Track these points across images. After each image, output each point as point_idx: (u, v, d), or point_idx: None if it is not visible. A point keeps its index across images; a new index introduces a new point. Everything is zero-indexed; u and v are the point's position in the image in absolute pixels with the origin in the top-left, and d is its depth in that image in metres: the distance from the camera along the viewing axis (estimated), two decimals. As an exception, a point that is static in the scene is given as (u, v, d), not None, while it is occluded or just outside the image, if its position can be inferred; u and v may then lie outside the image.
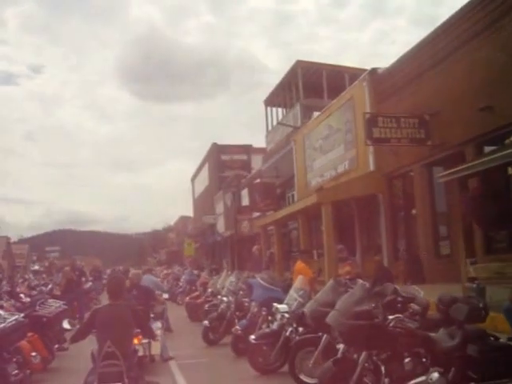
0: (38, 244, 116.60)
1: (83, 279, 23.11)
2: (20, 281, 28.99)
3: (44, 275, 37.57)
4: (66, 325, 10.23)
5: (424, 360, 6.08)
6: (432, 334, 6.17)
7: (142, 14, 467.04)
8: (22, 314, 9.96)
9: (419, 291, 7.75)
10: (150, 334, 7.95)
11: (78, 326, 8.70)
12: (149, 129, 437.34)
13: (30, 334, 10.14)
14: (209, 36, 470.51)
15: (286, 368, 9.30)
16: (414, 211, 17.54)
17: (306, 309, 8.22)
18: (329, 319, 6.48)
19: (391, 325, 6.14)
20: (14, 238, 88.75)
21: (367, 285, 6.66)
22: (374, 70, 18.93)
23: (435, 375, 5.73)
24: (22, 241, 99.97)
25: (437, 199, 16.66)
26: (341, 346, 6.84)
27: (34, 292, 18.39)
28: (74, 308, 19.53)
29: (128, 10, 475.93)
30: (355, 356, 6.39)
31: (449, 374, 5.78)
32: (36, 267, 41.53)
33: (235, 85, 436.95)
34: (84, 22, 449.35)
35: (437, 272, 15.84)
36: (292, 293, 9.80)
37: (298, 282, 9.98)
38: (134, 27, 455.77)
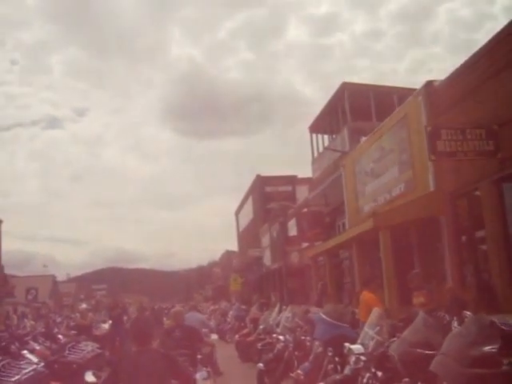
0: (86, 282, 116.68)
1: (125, 317, 21.76)
2: (58, 320, 27.75)
3: (91, 313, 36.65)
4: (88, 377, 8.52)
5: None
6: None
7: (182, 54, 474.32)
8: (42, 363, 8.47)
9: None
10: None
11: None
12: (193, 165, 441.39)
13: (56, 385, 8.66)
14: (249, 72, 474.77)
15: (362, 422, 7.54)
16: (481, 233, 15.66)
17: (393, 351, 6.42)
18: (435, 367, 4.73)
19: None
20: (62, 277, 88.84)
21: (490, 319, 4.86)
22: (429, 83, 17.23)
23: None
24: (70, 279, 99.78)
25: (508, 218, 14.75)
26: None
27: (73, 332, 17.00)
28: (116, 347, 18.33)
29: (169, 51, 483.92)
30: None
31: None
32: (84, 305, 40.45)
33: (278, 118, 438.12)
34: (127, 64, 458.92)
35: (513, 300, 13.87)
36: (367, 330, 7.96)
37: (373, 315, 8.14)
38: (176, 66, 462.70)
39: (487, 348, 4.43)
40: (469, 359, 4.40)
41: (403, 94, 22.61)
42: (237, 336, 19.90)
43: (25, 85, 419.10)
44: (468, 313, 6.21)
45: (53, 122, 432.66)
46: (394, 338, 7.45)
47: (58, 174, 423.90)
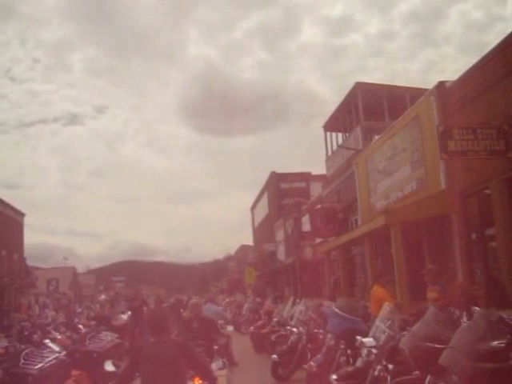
0: (105, 275, 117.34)
1: (145, 309, 21.90)
2: (79, 310, 27.97)
3: (109, 304, 36.91)
4: (108, 367, 8.54)
5: None
6: None
7: (199, 54, 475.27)
8: (64, 352, 8.57)
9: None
10: (208, 377, 6.08)
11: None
12: (209, 162, 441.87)
13: (77, 373, 8.72)
14: (264, 71, 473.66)
15: (373, 413, 7.56)
16: (491, 231, 15.58)
17: (404, 344, 6.44)
18: (444, 360, 4.76)
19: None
20: (82, 270, 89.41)
21: (497, 315, 4.88)
22: (441, 84, 17.17)
23: None
24: (89, 272, 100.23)
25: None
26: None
27: (93, 323, 17.12)
28: (135, 338, 18.44)
29: (186, 50, 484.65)
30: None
31: None
32: (103, 297, 40.74)
33: (292, 117, 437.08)
34: (145, 63, 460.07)
35: (522, 296, 13.81)
36: (378, 323, 7.98)
37: (384, 309, 8.15)
38: (193, 66, 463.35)
39: (495, 343, 4.45)
40: (477, 353, 4.43)
41: (415, 93, 22.48)
42: (251, 328, 19.93)
43: (47, 82, 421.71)
44: (477, 308, 6.20)
45: (73, 119, 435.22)
46: (405, 332, 7.46)
47: (79, 169, 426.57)
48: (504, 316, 5.21)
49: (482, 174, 15.03)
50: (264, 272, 49.85)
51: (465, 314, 6.60)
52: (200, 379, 6.67)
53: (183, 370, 5.53)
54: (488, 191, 15.44)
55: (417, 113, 18.87)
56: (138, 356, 5.48)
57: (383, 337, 7.69)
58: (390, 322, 7.85)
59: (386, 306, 8.23)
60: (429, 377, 6.17)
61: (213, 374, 6.22)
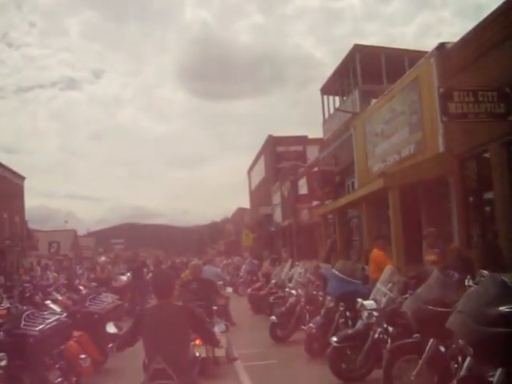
0: (105, 237, 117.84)
1: (145, 270, 21.85)
2: (79, 272, 27.96)
3: (110, 266, 36.97)
4: (110, 328, 8.32)
5: None
6: None
7: (195, 17, 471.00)
8: (65, 314, 8.43)
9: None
10: (211, 341, 6.00)
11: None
12: (207, 125, 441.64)
13: (79, 334, 8.61)
14: (260, 35, 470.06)
15: (372, 375, 7.49)
16: (489, 195, 15.39)
17: (406, 307, 6.29)
18: (451, 324, 4.59)
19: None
20: (82, 232, 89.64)
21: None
22: (442, 45, 16.75)
23: None
24: (89, 234, 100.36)
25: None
26: (467, 360, 4.86)
27: (94, 284, 17.04)
28: (135, 299, 18.43)
29: (182, 14, 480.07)
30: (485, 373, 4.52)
31: None
32: (103, 258, 40.71)
33: (289, 80, 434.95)
34: (141, 27, 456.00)
35: (519, 260, 13.67)
36: (379, 286, 7.84)
37: (386, 272, 8.00)
38: (189, 29, 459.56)
39: (504, 308, 4.27)
40: (486, 318, 4.24)
41: (414, 56, 22.04)
42: (249, 289, 19.91)
43: (43, 47, 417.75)
44: (485, 272, 6.05)
45: (71, 83, 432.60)
46: (406, 295, 7.35)
47: (77, 133, 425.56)
48: (506, 280, 5.03)
49: (481, 138, 14.75)
50: (261, 234, 49.87)
51: (469, 277, 6.45)
52: (201, 341, 6.54)
53: (187, 332, 5.38)
54: (487, 155, 15.19)
55: (416, 75, 18.48)
56: (141, 319, 5.35)
57: (384, 300, 7.58)
58: (390, 284, 7.72)
59: (388, 269, 8.09)
60: (431, 340, 6.03)
61: (215, 337, 6.09)
